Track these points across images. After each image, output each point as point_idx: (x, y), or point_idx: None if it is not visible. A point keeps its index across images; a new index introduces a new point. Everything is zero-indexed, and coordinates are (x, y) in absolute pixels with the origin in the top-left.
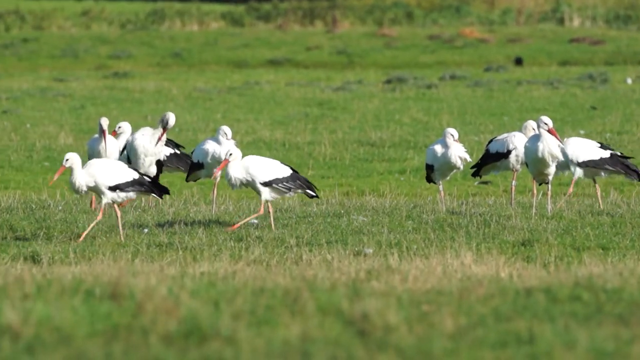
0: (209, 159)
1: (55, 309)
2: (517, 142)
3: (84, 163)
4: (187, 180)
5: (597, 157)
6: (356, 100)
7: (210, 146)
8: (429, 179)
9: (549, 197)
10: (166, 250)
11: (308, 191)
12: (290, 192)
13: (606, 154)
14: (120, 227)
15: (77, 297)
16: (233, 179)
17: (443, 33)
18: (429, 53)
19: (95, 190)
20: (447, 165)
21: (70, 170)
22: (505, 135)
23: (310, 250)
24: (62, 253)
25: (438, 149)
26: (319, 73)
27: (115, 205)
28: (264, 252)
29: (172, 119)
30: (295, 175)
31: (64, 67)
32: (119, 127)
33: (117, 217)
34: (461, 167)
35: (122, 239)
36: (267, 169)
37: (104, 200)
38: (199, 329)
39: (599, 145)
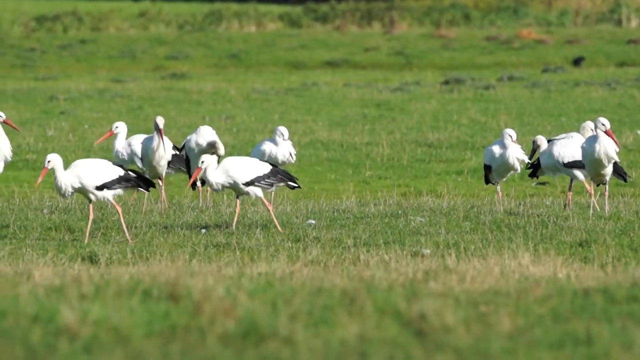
0: (265, 160)
1: (112, 309)
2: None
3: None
4: None
5: (581, 158)
6: (414, 101)
7: (267, 147)
8: (487, 180)
9: (606, 197)
10: (224, 250)
11: (290, 183)
12: (273, 187)
13: None
14: (88, 230)
15: (134, 297)
16: (214, 184)
17: (500, 34)
18: (486, 54)
19: (82, 191)
20: (505, 166)
21: (52, 172)
22: (562, 135)
23: (367, 251)
24: (119, 253)
25: (496, 149)
26: (376, 74)
27: (91, 206)
28: (322, 253)
29: (221, 149)
30: (276, 170)
31: (121, 68)
32: (116, 127)
33: (89, 216)
34: (519, 168)
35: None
36: (247, 168)
37: (93, 199)
38: (257, 330)
39: None
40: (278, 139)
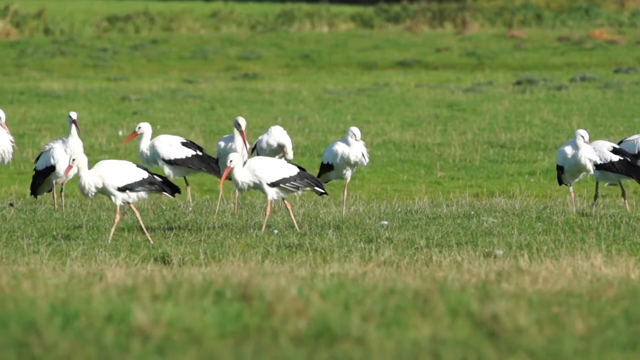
0: (337, 160)
1: (185, 310)
2: None
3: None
4: None
5: (607, 160)
6: (486, 102)
7: (340, 147)
8: (560, 181)
9: None
10: (296, 251)
11: (316, 188)
12: (298, 191)
13: (615, 157)
14: (143, 227)
15: (207, 298)
16: (240, 182)
17: (572, 35)
18: (558, 55)
19: (105, 192)
20: (577, 167)
21: (78, 171)
22: (635, 136)
23: (440, 252)
24: (192, 254)
25: (568, 150)
26: (448, 74)
27: (132, 205)
28: (394, 254)
29: (290, 153)
30: (303, 174)
31: (193, 69)
32: (139, 128)
33: (137, 216)
34: (591, 169)
35: (148, 237)
36: (273, 169)
37: (117, 202)
38: (329, 330)
39: (612, 149)
40: (350, 139)
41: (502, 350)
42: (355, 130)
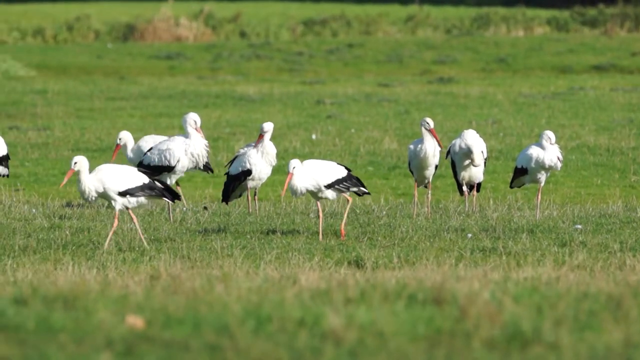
0: (532, 164)
1: (378, 313)
2: None
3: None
4: (511, 187)
5: None
6: None
7: (534, 151)
8: None
9: None
10: (489, 255)
11: (362, 189)
12: (347, 192)
13: None
14: (140, 232)
15: (399, 301)
16: (299, 189)
17: None
18: None
19: (105, 196)
20: None
21: (78, 175)
22: None
23: (634, 256)
24: (385, 258)
25: None
26: None
27: (130, 211)
28: (588, 258)
29: (476, 159)
30: (350, 175)
31: (388, 72)
32: (120, 139)
33: (134, 222)
34: None
35: (145, 244)
36: (328, 171)
37: (116, 207)
38: (522, 334)
39: None
40: (545, 143)
41: None
42: (550, 134)
